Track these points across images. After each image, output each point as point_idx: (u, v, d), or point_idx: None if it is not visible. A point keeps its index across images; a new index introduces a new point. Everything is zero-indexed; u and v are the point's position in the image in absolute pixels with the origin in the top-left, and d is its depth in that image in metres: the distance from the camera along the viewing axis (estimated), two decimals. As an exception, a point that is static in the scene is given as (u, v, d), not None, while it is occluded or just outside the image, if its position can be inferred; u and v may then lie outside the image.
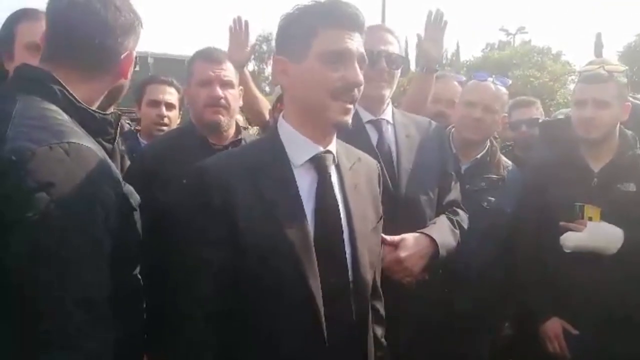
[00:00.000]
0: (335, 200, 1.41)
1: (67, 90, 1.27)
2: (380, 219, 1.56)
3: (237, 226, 1.31)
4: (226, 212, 1.32)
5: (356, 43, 1.37)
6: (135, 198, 1.34)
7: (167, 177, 1.95)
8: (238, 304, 1.34)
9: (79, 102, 1.29)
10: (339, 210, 1.41)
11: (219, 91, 2.06)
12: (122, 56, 1.35)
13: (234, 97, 2.12)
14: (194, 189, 1.42)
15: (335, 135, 1.47)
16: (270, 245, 1.31)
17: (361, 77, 1.37)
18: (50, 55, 1.32)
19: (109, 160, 1.28)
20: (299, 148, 1.41)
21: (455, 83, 3.13)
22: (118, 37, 1.32)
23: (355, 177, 1.49)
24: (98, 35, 1.30)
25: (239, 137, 2.15)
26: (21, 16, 1.93)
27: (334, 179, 1.44)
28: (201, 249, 1.36)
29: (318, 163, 1.41)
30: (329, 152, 1.43)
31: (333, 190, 1.42)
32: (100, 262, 1.15)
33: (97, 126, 1.31)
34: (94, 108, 1.33)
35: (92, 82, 1.33)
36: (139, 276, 1.41)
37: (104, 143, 1.35)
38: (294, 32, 1.38)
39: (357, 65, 1.37)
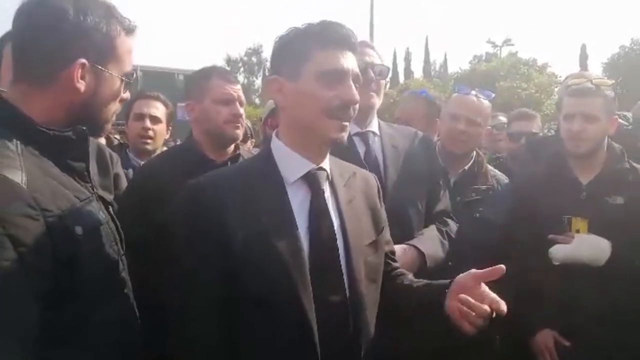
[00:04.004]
0: (329, 215, 1.42)
1: (18, 110, 1.23)
2: (382, 232, 1.56)
3: (230, 245, 1.31)
4: (219, 232, 1.32)
5: (350, 62, 1.40)
6: (87, 224, 1.25)
7: (167, 196, 1.94)
8: (232, 321, 1.34)
9: (31, 121, 1.23)
10: (332, 225, 1.41)
11: (240, 109, 2.18)
12: (68, 64, 1.26)
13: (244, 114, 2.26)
14: (187, 206, 1.42)
15: (328, 153, 1.49)
16: (262, 263, 1.31)
17: (357, 96, 1.40)
18: (13, 75, 1.29)
19: (50, 187, 1.18)
20: (292, 165, 1.43)
21: (412, 102, 3.17)
22: (58, 43, 1.25)
23: (350, 193, 1.50)
24: (38, 41, 1.25)
25: (237, 153, 2.21)
26: (8, 38, 1.91)
27: (328, 195, 1.45)
28: (193, 268, 1.35)
29: (311, 180, 1.42)
30: (322, 169, 1.45)
31: (326, 206, 1.43)
32: (13, 298, 1.07)
33: (53, 145, 1.26)
34: (54, 127, 1.26)
35: (43, 95, 1.27)
36: (121, 308, 1.36)
37: (72, 163, 1.30)
38: (290, 52, 1.41)
39: (352, 83, 1.39)
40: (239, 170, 1.59)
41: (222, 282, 1.32)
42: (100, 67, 1.30)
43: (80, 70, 1.26)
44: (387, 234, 1.62)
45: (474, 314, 1.32)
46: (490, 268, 1.35)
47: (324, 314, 1.33)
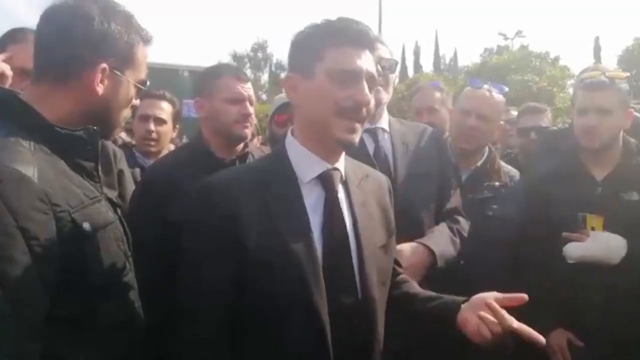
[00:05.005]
0: (342, 216, 1.41)
1: (31, 109, 1.25)
2: (392, 235, 1.55)
3: (243, 242, 1.32)
4: (233, 229, 1.32)
5: (365, 62, 1.37)
6: (95, 222, 1.28)
7: (178, 194, 1.96)
8: (245, 320, 1.35)
9: (43, 120, 1.25)
10: (345, 226, 1.41)
11: (250, 109, 2.17)
12: (91, 67, 1.30)
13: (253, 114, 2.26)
14: (200, 205, 1.42)
15: (343, 153, 1.47)
16: (276, 262, 1.31)
17: (369, 97, 1.37)
18: (33, 74, 1.33)
19: (56, 181, 1.21)
20: (306, 165, 1.42)
21: (431, 91, 3.15)
22: (82, 47, 1.29)
23: (363, 195, 1.49)
24: (65, 43, 1.28)
25: (246, 151, 2.21)
26: (9, 39, 1.92)
27: (341, 196, 1.45)
28: (207, 266, 1.36)
29: (325, 180, 1.41)
30: (336, 169, 1.44)
31: (340, 207, 1.42)
32: (22, 289, 1.10)
33: (64, 144, 1.28)
34: (67, 127, 1.28)
35: (61, 96, 1.30)
36: (125, 307, 1.39)
37: (83, 162, 1.33)
38: (305, 49, 1.40)
39: (365, 84, 1.36)
40: (252, 169, 1.59)
41: (232, 281, 1.33)
42: (119, 73, 1.34)
43: (101, 75, 1.31)
44: (394, 241, 1.60)
45: (494, 320, 1.32)
46: (514, 295, 1.36)
47: (336, 314, 1.33)
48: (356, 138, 1.39)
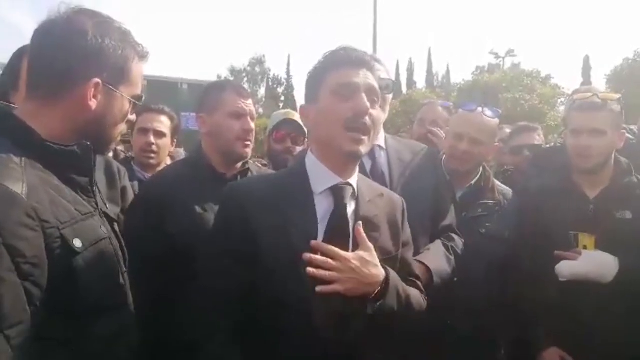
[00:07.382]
0: (347, 228, 1.49)
1: (24, 124, 1.25)
2: (399, 249, 1.62)
3: (255, 242, 1.42)
4: (247, 229, 1.43)
5: (362, 77, 1.49)
6: (87, 238, 1.26)
7: (178, 209, 1.97)
8: (250, 320, 1.42)
9: (37, 136, 1.25)
10: (348, 235, 1.48)
11: (252, 124, 2.17)
12: (83, 82, 1.29)
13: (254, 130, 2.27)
14: (221, 211, 1.56)
15: (357, 170, 1.57)
16: (281, 263, 1.39)
17: (368, 105, 1.46)
18: (26, 90, 1.33)
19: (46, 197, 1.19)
20: (320, 177, 1.53)
21: (439, 108, 3.25)
22: (75, 61, 1.28)
23: (372, 210, 1.56)
24: (57, 58, 1.28)
25: (246, 167, 2.22)
26: (27, 51, 1.91)
27: (351, 210, 1.53)
28: (220, 268, 1.45)
29: (336, 192, 1.51)
30: (348, 184, 1.52)
31: (346, 218, 1.51)
32: (8, 308, 1.07)
33: (58, 159, 1.27)
34: (61, 142, 1.28)
35: (54, 111, 1.29)
36: (119, 324, 1.37)
37: (76, 178, 1.33)
38: (312, 80, 1.56)
39: (364, 95, 1.47)
40: (271, 180, 1.70)
41: (242, 282, 1.42)
42: (112, 88, 1.34)
43: (93, 89, 1.30)
44: (408, 254, 1.68)
45: None
46: None
47: (332, 320, 1.40)
48: (362, 150, 1.48)
